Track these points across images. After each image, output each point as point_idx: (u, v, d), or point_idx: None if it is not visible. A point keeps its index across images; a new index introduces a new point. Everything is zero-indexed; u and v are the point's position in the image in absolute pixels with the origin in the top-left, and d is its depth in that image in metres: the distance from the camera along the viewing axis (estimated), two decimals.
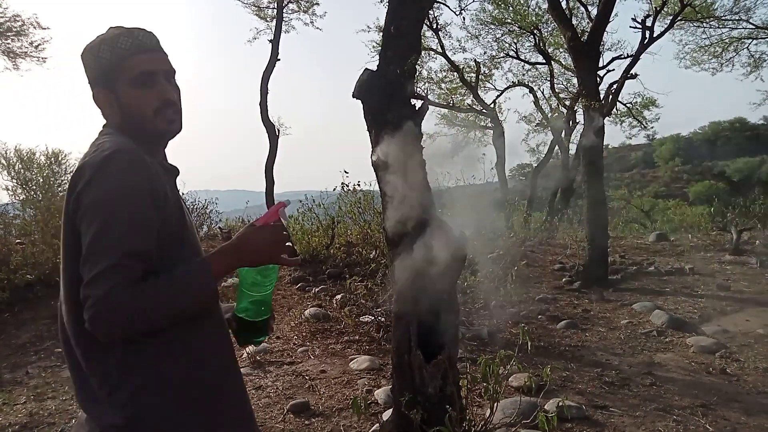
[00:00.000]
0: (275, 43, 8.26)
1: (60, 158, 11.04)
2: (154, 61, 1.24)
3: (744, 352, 4.33)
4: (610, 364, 4.21)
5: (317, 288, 6.57)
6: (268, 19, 8.67)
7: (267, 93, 8.21)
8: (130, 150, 1.15)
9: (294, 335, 5.08)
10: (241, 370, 4.29)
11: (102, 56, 1.22)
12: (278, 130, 8.30)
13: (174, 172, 1.32)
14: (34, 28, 10.18)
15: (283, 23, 8.46)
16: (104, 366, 1.15)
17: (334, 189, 8.10)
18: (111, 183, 1.10)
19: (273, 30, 8.37)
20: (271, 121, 8.26)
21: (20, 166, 9.64)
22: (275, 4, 8.43)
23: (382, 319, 5.01)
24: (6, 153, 9.57)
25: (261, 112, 8.18)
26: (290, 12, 8.91)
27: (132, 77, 1.21)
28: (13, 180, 9.47)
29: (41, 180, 9.63)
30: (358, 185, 7.72)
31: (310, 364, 4.34)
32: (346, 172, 7.67)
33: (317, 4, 8.97)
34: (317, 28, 9.25)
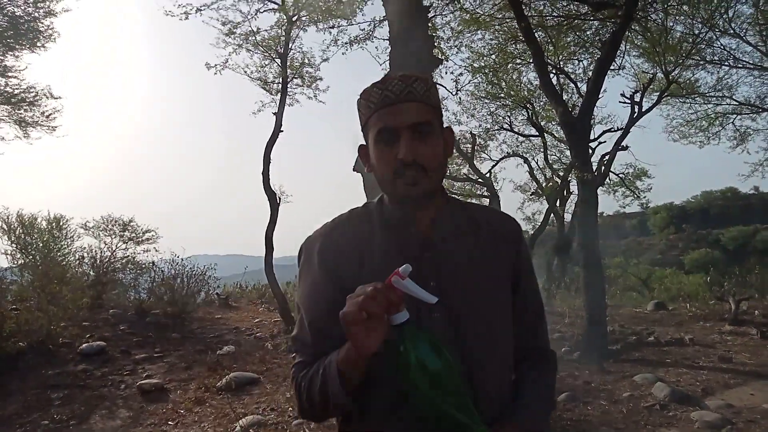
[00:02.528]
0: (279, 115, 8.57)
1: (61, 223, 11.12)
2: (397, 115, 1.10)
3: (751, 428, 4.24)
4: None
5: None
6: (273, 92, 9.04)
7: (269, 162, 8.43)
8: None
9: (289, 407, 4.96)
10: None
11: (359, 109, 1.17)
12: (279, 198, 8.45)
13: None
14: (47, 98, 10.56)
15: (287, 97, 8.82)
16: None
17: None
18: None
19: (277, 103, 8.71)
20: (273, 189, 8.42)
21: (21, 230, 9.68)
22: (280, 80, 8.81)
23: None
24: (8, 218, 9.65)
25: (263, 181, 8.35)
26: (294, 86, 9.33)
27: (374, 134, 1.13)
28: (13, 244, 9.49)
29: (41, 244, 9.66)
30: None
31: None
32: None
33: (320, 79, 9.39)
34: (320, 101, 9.63)
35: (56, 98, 10.50)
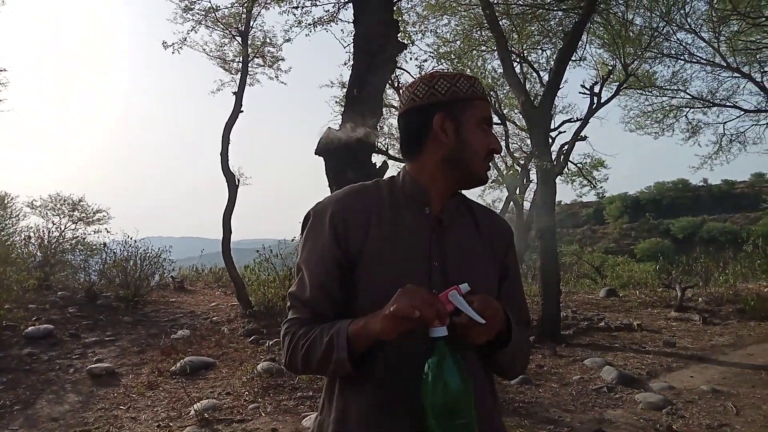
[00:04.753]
0: (239, 95, 8.35)
1: (6, 201, 10.64)
2: (490, 111, 1.28)
3: (689, 408, 4.45)
4: (562, 420, 4.25)
5: (271, 341, 6.43)
6: (233, 72, 8.80)
7: (228, 143, 8.23)
8: None
9: (245, 391, 4.92)
10: (188, 428, 4.13)
11: (456, 84, 1.23)
12: (238, 180, 8.28)
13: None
14: None
15: (248, 77, 8.60)
16: None
17: (293, 240, 8.07)
18: None
19: (237, 82, 8.49)
20: (231, 170, 8.24)
21: None
22: (241, 58, 8.59)
23: None
24: None
25: (222, 162, 8.15)
26: (255, 66, 9.10)
27: (479, 118, 1.23)
28: None
29: None
30: None
31: (261, 422, 4.21)
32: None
33: (282, 59, 9.19)
34: (282, 82, 9.44)
35: (2, 70, 9.94)
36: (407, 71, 10.29)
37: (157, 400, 4.79)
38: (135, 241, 9.02)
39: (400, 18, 7.96)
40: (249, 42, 8.53)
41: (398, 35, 3.32)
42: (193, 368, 5.49)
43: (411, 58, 11.23)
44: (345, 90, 11.80)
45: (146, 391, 5.00)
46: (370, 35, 3.19)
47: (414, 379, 1.08)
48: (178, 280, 10.32)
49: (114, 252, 8.96)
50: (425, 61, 9.69)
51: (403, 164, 1.33)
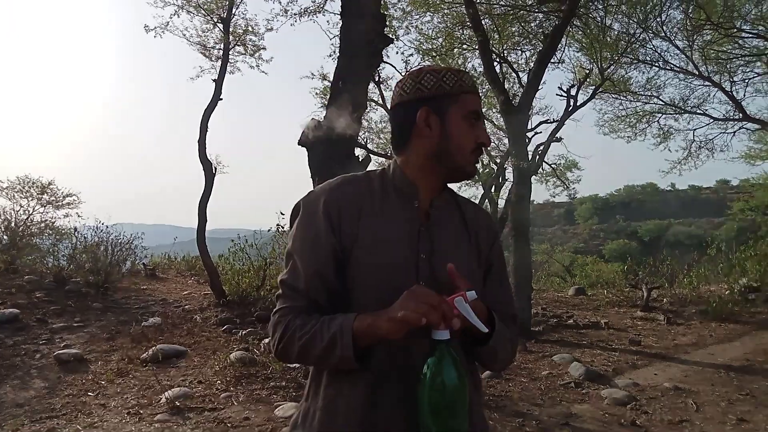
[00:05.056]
0: (219, 82, 8.24)
1: None
2: (480, 105, 1.28)
3: (652, 404, 4.61)
4: (531, 414, 4.36)
5: (244, 331, 6.40)
6: (213, 58, 8.68)
7: (206, 131, 8.12)
8: None
9: (217, 380, 4.90)
10: (159, 416, 4.10)
11: (443, 79, 1.24)
12: (215, 168, 8.19)
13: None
14: None
15: (229, 65, 8.50)
16: None
17: (269, 230, 8.04)
18: None
19: (218, 70, 8.38)
20: (209, 158, 8.15)
21: None
22: (222, 46, 8.47)
23: None
24: None
25: (199, 149, 8.05)
26: (236, 54, 8.99)
27: (466, 111, 1.24)
28: None
29: None
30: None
31: (233, 411, 4.20)
32: (282, 213, 7.67)
33: (264, 48, 9.10)
34: (263, 72, 9.35)
35: None
36: (392, 65, 10.30)
37: (127, 388, 4.74)
38: (107, 227, 8.86)
39: (386, 12, 7.98)
40: (231, 29, 8.43)
41: (385, 29, 3.34)
42: (165, 356, 5.43)
43: (397, 52, 11.23)
44: (325, 82, 11.77)
45: (116, 378, 4.93)
46: (357, 28, 3.20)
47: (407, 372, 1.11)
48: (150, 268, 10.16)
49: (84, 237, 8.78)
50: (411, 55, 9.71)
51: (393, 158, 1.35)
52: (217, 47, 8.66)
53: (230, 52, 8.51)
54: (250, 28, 8.89)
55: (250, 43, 9.03)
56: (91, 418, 4.07)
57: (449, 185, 1.34)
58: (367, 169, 3.10)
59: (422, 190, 1.26)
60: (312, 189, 1.32)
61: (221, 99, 8.34)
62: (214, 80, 8.32)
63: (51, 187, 10.71)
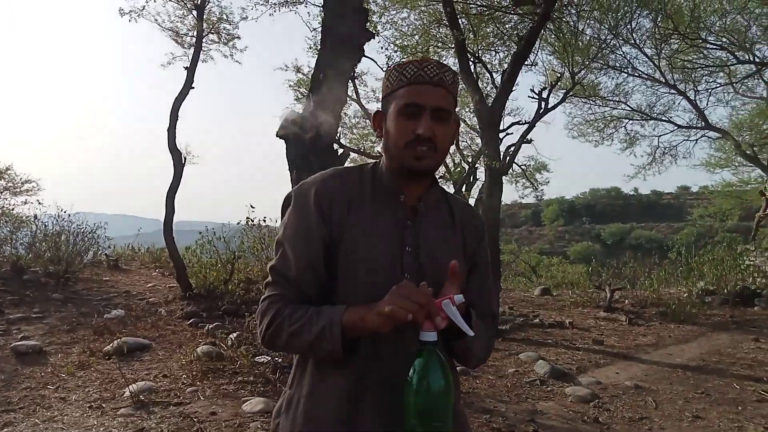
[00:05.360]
0: (191, 70, 8.07)
1: None
2: (426, 95, 1.19)
3: (614, 402, 4.73)
4: (497, 410, 4.42)
5: (211, 325, 6.30)
6: (185, 46, 8.49)
7: (177, 119, 7.94)
8: None
9: (183, 374, 4.81)
10: (123, 410, 4.01)
11: (388, 78, 1.25)
12: (185, 158, 8.01)
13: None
14: None
15: (202, 53, 8.32)
16: None
17: (238, 223, 7.92)
18: None
19: (190, 57, 8.20)
20: (178, 148, 7.97)
21: None
22: (195, 33, 8.29)
23: (279, 359, 4.90)
24: None
25: (168, 139, 7.86)
26: (210, 42, 8.81)
27: (400, 106, 1.20)
28: None
29: None
30: (264, 221, 7.62)
31: (200, 406, 4.13)
32: (252, 207, 7.58)
33: (238, 38, 8.95)
34: (236, 61, 9.19)
35: None
36: (374, 60, 10.24)
37: (89, 381, 4.60)
38: (69, 215, 8.58)
39: (368, 6, 7.94)
40: (205, 17, 8.25)
41: (366, 24, 3.32)
42: (128, 349, 5.30)
43: (381, 48, 11.19)
44: (299, 74, 11.64)
45: (77, 371, 4.79)
46: (339, 21, 3.17)
47: (391, 362, 1.14)
48: (113, 259, 9.90)
49: (45, 225, 8.48)
50: (396, 52, 9.70)
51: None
52: (190, 34, 8.48)
53: (203, 40, 8.33)
54: (224, 17, 8.74)
55: (224, 31, 8.87)
56: (51, 411, 3.94)
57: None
58: (345, 163, 3.09)
59: (408, 186, 1.28)
60: (304, 180, 1.33)
61: (193, 87, 8.17)
62: (186, 68, 8.14)
63: (9, 172, 10.33)
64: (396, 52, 9.86)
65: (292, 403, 1.24)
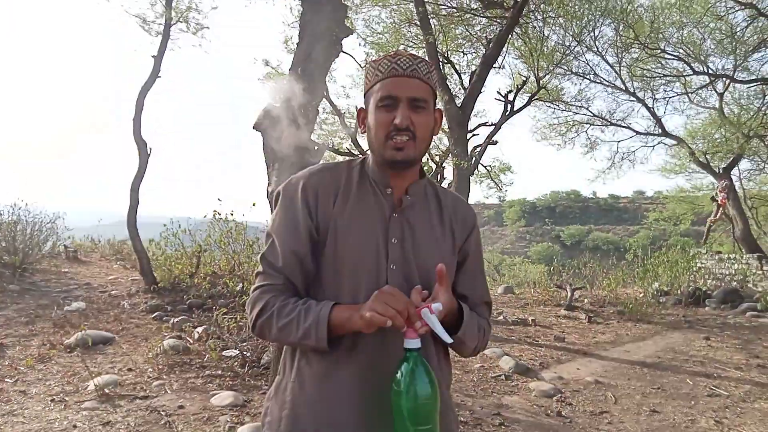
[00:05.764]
0: (158, 59, 7.89)
1: None
2: (401, 87, 1.22)
3: (575, 397, 4.90)
4: (464, 405, 4.51)
5: (177, 318, 6.20)
6: (153, 34, 8.29)
7: (142, 108, 7.75)
8: None
9: (149, 368, 4.73)
10: (87, 404, 3.92)
11: (367, 75, 1.29)
12: (150, 149, 7.84)
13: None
14: None
15: (170, 41, 8.15)
16: None
17: (205, 216, 7.79)
18: None
19: (158, 46, 8.01)
20: (143, 138, 7.78)
21: None
22: (163, 21, 8.11)
23: (248, 353, 4.87)
24: None
25: (134, 128, 7.67)
26: (178, 31, 8.62)
27: (377, 100, 1.24)
28: None
29: None
30: (231, 215, 7.53)
31: (167, 399, 4.07)
32: (219, 200, 7.47)
33: (207, 28, 8.79)
34: (206, 51, 9.04)
35: None
36: (353, 56, 10.24)
37: (50, 374, 4.47)
38: (26, 204, 8.28)
39: (347, 2, 7.93)
40: (173, 4, 8.08)
41: (345, 19, 3.33)
42: (91, 342, 5.17)
43: (362, 44, 11.14)
44: (267, 68, 11.53)
45: (37, 364, 4.65)
46: (318, 15, 3.18)
47: (371, 352, 1.21)
48: (72, 250, 9.60)
49: (0, 214, 8.16)
50: (372, 49, 9.70)
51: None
52: (158, 22, 8.29)
53: (171, 29, 8.16)
54: (193, 6, 8.56)
55: (193, 20, 8.70)
56: (10, 405, 3.82)
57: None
58: (321, 159, 3.10)
59: (395, 179, 1.31)
60: (294, 174, 1.36)
61: (160, 76, 8.00)
62: (154, 56, 7.96)
63: None
64: (372, 49, 9.88)
65: (280, 387, 1.30)
